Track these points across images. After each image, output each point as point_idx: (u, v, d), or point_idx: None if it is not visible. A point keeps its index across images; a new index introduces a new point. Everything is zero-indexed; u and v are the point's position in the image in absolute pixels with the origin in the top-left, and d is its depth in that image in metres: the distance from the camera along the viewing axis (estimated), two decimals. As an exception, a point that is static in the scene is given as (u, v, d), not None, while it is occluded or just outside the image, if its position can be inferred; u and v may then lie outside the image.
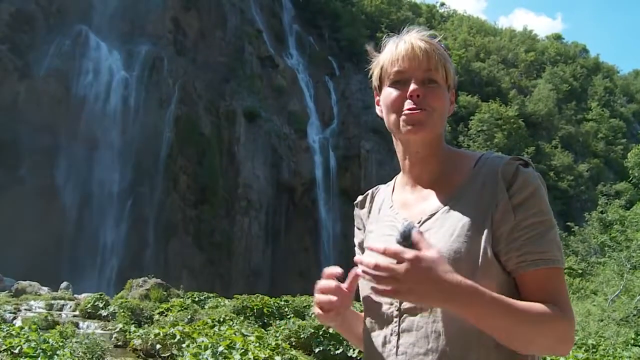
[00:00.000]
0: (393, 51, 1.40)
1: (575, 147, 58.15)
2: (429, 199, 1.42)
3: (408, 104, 1.37)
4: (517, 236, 1.29)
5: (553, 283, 1.28)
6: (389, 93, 1.41)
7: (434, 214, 1.38)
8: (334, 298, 1.38)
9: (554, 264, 1.28)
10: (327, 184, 39.72)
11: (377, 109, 1.50)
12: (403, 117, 1.39)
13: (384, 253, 1.16)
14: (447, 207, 1.37)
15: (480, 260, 1.28)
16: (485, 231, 1.30)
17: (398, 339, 1.35)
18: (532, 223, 1.29)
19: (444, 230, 1.34)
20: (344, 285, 1.40)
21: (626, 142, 59.59)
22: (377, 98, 1.49)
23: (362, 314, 1.54)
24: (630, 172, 32.37)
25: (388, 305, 1.38)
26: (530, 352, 1.29)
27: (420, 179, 1.46)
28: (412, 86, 1.37)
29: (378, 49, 1.47)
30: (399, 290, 1.15)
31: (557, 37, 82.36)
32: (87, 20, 34.19)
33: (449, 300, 1.17)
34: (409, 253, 1.16)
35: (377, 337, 1.41)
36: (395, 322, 1.36)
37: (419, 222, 1.39)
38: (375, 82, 1.48)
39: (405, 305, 1.35)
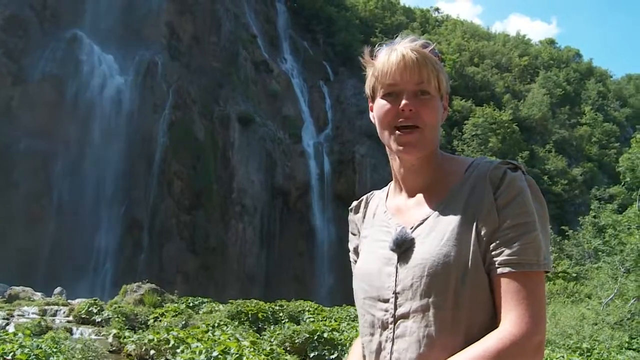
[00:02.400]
0: (385, 62, 1.39)
1: (569, 151, 58.31)
2: (422, 205, 1.43)
3: (400, 121, 1.38)
4: (496, 237, 1.29)
5: (520, 288, 1.26)
6: (381, 106, 1.41)
7: (425, 220, 1.39)
8: None
9: (524, 268, 1.27)
10: (322, 188, 39.72)
11: (370, 115, 1.49)
12: (395, 136, 1.39)
13: None
14: (438, 212, 1.38)
15: (470, 264, 1.29)
16: (473, 234, 1.31)
17: (392, 345, 1.35)
18: (512, 225, 1.29)
19: (434, 234, 1.34)
20: None
21: (619, 146, 59.70)
22: (371, 104, 1.49)
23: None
24: (622, 176, 32.48)
25: (383, 312, 1.38)
26: None
27: (414, 185, 1.47)
28: (404, 101, 1.37)
29: (373, 53, 1.47)
30: None
31: (551, 42, 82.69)
32: (82, 24, 34.12)
33: None
34: None
35: (372, 343, 1.41)
36: (391, 328, 1.36)
37: (411, 228, 1.40)
38: (368, 90, 1.48)
39: (400, 311, 1.35)
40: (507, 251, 1.28)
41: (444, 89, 1.42)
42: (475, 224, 1.31)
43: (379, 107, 1.42)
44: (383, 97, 1.41)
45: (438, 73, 1.39)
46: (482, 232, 1.30)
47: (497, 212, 1.30)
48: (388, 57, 1.39)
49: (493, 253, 1.29)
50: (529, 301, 1.25)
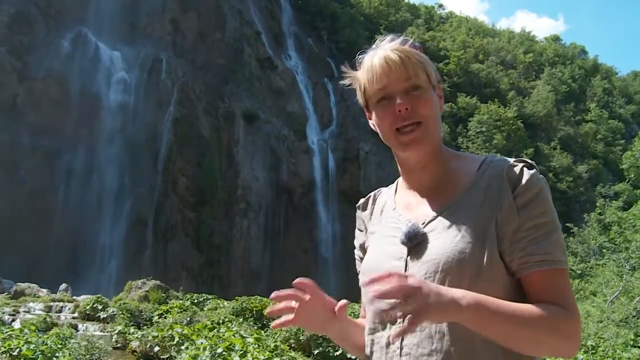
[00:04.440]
0: (369, 68, 1.40)
1: (574, 148, 58.18)
2: (433, 202, 1.43)
3: (399, 121, 1.38)
4: (520, 237, 1.29)
5: (557, 284, 1.29)
6: (378, 112, 1.42)
7: (437, 216, 1.38)
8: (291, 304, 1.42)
9: (557, 265, 1.29)
10: (326, 185, 39.72)
11: (370, 123, 1.50)
12: (399, 137, 1.39)
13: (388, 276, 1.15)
14: (451, 209, 1.38)
15: (485, 261, 1.29)
16: (490, 232, 1.31)
17: (402, 340, 1.34)
18: (535, 224, 1.29)
19: (448, 231, 1.34)
20: (331, 307, 1.45)
21: (625, 143, 59.55)
22: (368, 114, 1.49)
23: (360, 321, 1.57)
24: (625, 173, 32.35)
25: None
26: (537, 354, 1.30)
27: (422, 182, 1.47)
28: (398, 101, 1.37)
29: (356, 64, 1.48)
30: (416, 308, 1.13)
31: (556, 39, 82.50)
32: (86, 21, 34.19)
33: (460, 310, 1.18)
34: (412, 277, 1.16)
35: (381, 338, 1.41)
36: (399, 322, 1.35)
37: (423, 224, 1.39)
38: (360, 100, 1.48)
39: None
40: (537, 250, 1.29)
41: (434, 79, 1.43)
42: (493, 221, 1.31)
43: (377, 116, 1.43)
44: (378, 104, 1.42)
45: (424, 65, 1.39)
46: (502, 231, 1.30)
47: (517, 210, 1.31)
48: (371, 63, 1.40)
49: (522, 252, 1.30)
50: (565, 294, 1.29)
